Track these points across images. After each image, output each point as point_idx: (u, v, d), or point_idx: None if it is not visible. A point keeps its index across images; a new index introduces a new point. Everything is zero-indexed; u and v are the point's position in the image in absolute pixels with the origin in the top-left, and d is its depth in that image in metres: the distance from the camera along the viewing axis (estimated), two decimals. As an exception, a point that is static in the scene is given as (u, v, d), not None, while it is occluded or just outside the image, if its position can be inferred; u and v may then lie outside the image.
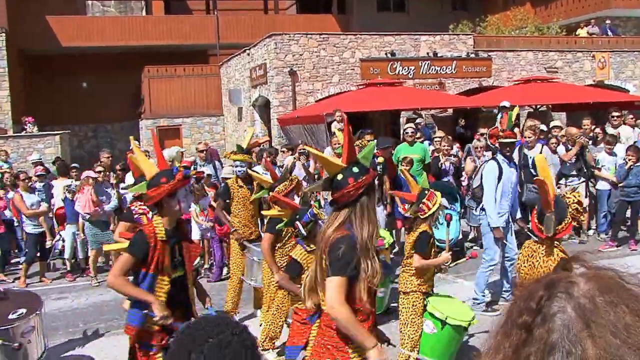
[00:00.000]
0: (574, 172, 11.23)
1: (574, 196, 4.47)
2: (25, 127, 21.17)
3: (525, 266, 4.45)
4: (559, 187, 11.22)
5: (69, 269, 10.85)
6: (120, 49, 28.22)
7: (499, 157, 8.02)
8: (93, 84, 28.29)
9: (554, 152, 11.30)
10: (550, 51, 23.29)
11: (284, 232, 6.19)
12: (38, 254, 10.60)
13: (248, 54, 22.69)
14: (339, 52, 20.34)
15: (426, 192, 5.69)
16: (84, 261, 11.16)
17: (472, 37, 22.71)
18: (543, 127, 12.71)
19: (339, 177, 3.44)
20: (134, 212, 6.56)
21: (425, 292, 5.73)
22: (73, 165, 12.76)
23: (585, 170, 11.20)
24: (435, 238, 5.91)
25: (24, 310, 5.72)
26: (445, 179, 10.97)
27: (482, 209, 8.09)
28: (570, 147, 11.36)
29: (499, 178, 7.81)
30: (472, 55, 21.95)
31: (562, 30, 27.01)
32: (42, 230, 10.53)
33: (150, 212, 6.38)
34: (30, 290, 8.52)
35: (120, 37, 28.00)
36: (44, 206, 10.67)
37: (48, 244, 10.72)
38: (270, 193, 6.45)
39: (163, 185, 4.34)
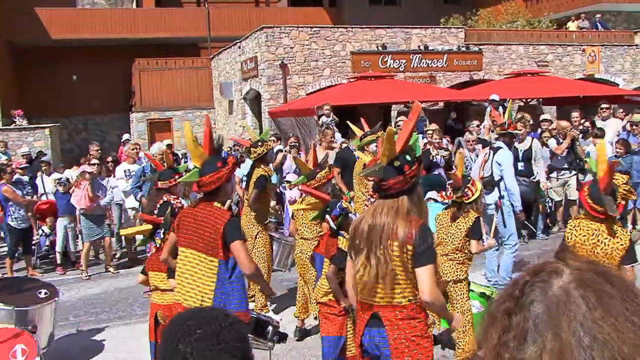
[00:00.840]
0: (565, 165, 11.28)
1: (621, 178, 4.55)
2: (15, 120, 21.03)
3: (587, 244, 4.47)
4: (549, 180, 11.29)
5: (59, 262, 10.81)
6: (111, 42, 28.06)
7: (502, 144, 8.18)
8: (83, 76, 28.14)
9: (545, 144, 11.35)
10: (541, 45, 23.35)
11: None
12: (21, 249, 10.63)
13: (239, 47, 22.62)
14: (330, 45, 20.30)
15: (469, 178, 5.80)
16: (74, 255, 11.14)
17: (464, 31, 22.72)
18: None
19: (396, 163, 3.43)
20: (174, 205, 6.32)
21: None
22: (42, 160, 12.62)
23: (576, 163, 11.25)
24: None
25: (47, 292, 6.11)
26: (436, 172, 10.98)
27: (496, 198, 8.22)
28: (561, 140, 11.40)
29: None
30: (463, 49, 21.97)
31: (553, 24, 27.06)
32: (27, 226, 10.50)
33: (183, 202, 6.32)
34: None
35: (111, 29, 27.85)
36: (31, 199, 10.66)
37: (35, 239, 10.71)
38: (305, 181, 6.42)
39: (221, 170, 4.27)
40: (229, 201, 7.54)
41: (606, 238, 4.36)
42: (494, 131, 11.87)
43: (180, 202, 6.28)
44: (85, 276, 10.24)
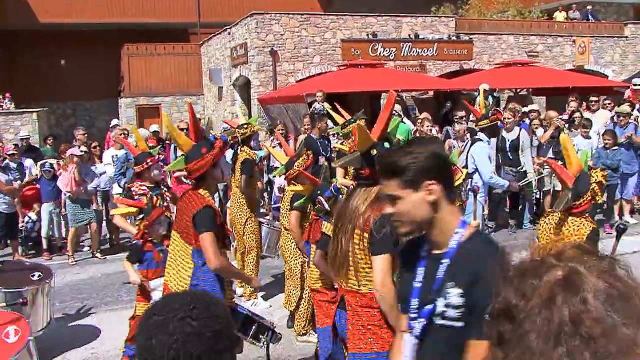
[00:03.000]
0: (552, 155, 11.30)
1: (597, 175, 4.55)
2: (2, 104, 20.85)
3: (551, 235, 4.50)
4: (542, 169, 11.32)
5: (45, 247, 10.75)
6: (100, 27, 27.83)
7: (483, 137, 8.17)
8: (72, 61, 27.91)
9: (534, 133, 11.39)
10: (532, 35, 23.37)
11: (308, 209, 5.96)
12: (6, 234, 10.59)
13: (229, 34, 22.50)
14: (320, 32, 20.23)
15: (452, 167, 5.78)
16: (60, 240, 11.09)
17: (454, 20, 22.71)
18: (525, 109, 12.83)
19: (374, 152, 3.40)
20: (134, 192, 6.40)
21: None
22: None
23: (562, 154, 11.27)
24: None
25: (41, 274, 6.19)
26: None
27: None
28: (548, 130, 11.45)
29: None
30: (454, 38, 21.97)
31: (544, 15, 27.09)
32: (13, 211, 10.44)
33: (152, 193, 6.31)
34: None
35: (100, 14, 27.61)
36: (17, 185, 10.57)
37: (22, 225, 10.66)
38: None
39: (206, 156, 4.20)
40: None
41: (567, 229, 4.40)
42: (475, 123, 11.92)
43: (142, 188, 6.29)
44: (72, 262, 10.19)
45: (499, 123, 8.38)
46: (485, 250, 2.25)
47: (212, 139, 4.52)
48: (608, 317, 1.03)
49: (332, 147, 10.48)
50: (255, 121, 8.43)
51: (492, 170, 8.06)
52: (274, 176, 8.34)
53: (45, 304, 6.11)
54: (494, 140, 9.77)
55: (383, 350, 3.41)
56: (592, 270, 1.08)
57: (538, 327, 1.06)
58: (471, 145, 8.28)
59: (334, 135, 10.99)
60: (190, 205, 4.20)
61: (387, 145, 3.47)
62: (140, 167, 6.34)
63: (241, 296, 7.73)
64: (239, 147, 7.86)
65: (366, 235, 3.34)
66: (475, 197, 6.60)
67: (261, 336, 4.39)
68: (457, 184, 5.72)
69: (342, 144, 8.41)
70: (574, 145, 11.13)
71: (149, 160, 6.34)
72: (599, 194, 4.51)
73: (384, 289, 3.27)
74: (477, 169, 8.13)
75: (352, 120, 8.68)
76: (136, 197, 6.27)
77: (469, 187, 8.07)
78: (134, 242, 5.61)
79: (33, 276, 6.12)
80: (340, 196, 5.15)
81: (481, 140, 8.19)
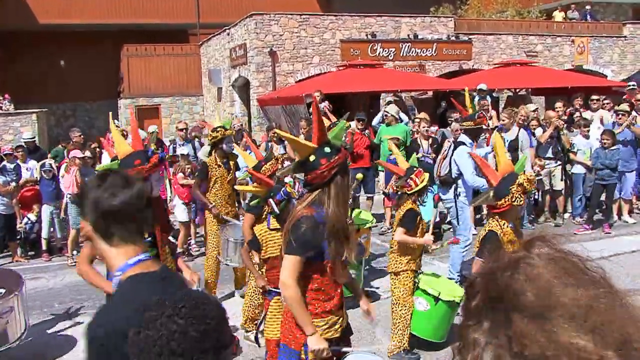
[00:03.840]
0: (550, 155, 11.32)
1: (521, 179, 4.51)
2: (1, 105, 20.84)
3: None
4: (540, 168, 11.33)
5: (44, 248, 10.76)
6: (99, 27, 27.82)
7: (466, 139, 8.12)
8: (71, 62, 27.91)
9: (532, 133, 11.40)
10: (530, 35, 23.38)
11: (264, 211, 6.01)
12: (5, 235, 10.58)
13: (228, 34, 22.51)
14: (319, 32, 20.24)
15: (415, 169, 5.76)
16: (60, 241, 11.09)
17: (453, 20, 22.72)
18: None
19: (312, 158, 3.40)
20: None
21: (414, 270, 5.81)
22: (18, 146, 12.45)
23: (561, 154, 11.31)
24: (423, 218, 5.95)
25: (2, 290, 5.73)
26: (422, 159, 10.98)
27: (456, 195, 8.19)
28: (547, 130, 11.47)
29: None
30: (453, 38, 21.98)
31: (543, 15, 27.09)
32: (11, 213, 10.44)
33: None
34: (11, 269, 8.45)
35: (99, 14, 27.60)
36: (13, 186, 10.56)
37: (20, 226, 10.65)
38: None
39: (136, 167, 4.18)
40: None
41: (484, 230, 4.63)
42: (459, 122, 11.92)
43: None
44: (71, 263, 10.19)
45: (482, 126, 8.36)
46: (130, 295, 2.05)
47: (149, 152, 4.46)
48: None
49: None
50: (229, 124, 8.51)
51: (473, 172, 7.98)
52: (242, 179, 8.41)
53: (16, 316, 5.76)
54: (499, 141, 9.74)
55: (292, 348, 3.50)
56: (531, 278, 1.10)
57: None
58: (454, 150, 8.25)
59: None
60: None
61: (327, 149, 3.41)
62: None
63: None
64: (212, 150, 8.00)
65: (286, 234, 3.40)
66: (436, 204, 6.64)
67: None
68: (416, 189, 5.71)
69: None
70: (573, 144, 11.25)
71: (135, 163, 6.34)
72: (519, 197, 4.49)
73: (282, 287, 3.38)
74: (460, 173, 8.08)
75: (336, 123, 8.72)
76: None
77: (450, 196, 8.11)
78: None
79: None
80: (293, 200, 5.18)
81: (463, 143, 8.13)
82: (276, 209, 5.13)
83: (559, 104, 12.73)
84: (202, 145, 12.08)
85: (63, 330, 7.16)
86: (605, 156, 10.64)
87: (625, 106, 11.89)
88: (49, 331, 7.13)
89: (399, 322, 5.70)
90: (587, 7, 26.40)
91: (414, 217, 5.70)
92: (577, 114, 12.44)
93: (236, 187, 6.89)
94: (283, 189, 5.18)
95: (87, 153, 10.81)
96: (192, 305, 1.55)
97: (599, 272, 1.11)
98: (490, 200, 4.53)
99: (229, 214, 7.83)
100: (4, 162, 10.83)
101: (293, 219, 3.38)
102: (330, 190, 3.39)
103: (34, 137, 13.93)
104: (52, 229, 10.77)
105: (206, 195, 7.80)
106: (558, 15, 25.91)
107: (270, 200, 5.12)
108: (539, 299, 1.06)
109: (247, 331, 6.43)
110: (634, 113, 12.02)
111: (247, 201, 6.54)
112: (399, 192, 5.89)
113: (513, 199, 4.44)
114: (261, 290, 5.36)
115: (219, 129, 7.77)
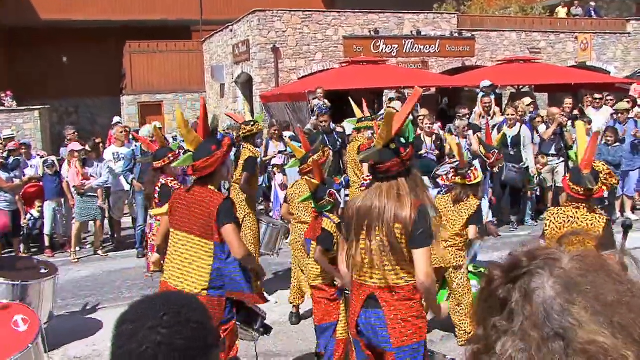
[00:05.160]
0: (554, 152, 11.31)
1: (602, 165, 4.65)
2: (4, 101, 20.84)
3: (562, 232, 4.53)
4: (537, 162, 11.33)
5: (47, 244, 10.77)
6: (102, 24, 27.81)
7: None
8: (74, 58, 27.88)
9: (535, 130, 11.39)
10: (534, 32, 23.32)
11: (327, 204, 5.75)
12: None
13: (231, 31, 22.49)
14: (322, 29, 20.21)
15: (472, 162, 5.92)
16: (62, 237, 11.11)
17: (456, 17, 22.66)
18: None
19: (392, 146, 3.45)
20: (172, 188, 6.16)
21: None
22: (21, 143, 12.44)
23: (564, 150, 11.28)
24: None
25: (47, 269, 6.26)
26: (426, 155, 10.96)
27: None
28: (551, 126, 11.45)
29: None
30: (456, 35, 21.93)
31: (546, 11, 27.03)
32: (15, 209, 10.44)
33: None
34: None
35: (102, 11, 27.59)
36: (17, 182, 10.56)
37: (24, 222, 10.67)
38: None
39: (216, 153, 4.20)
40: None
41: (580, 225, 4.37)
42: (484, 117, 11.90)
43: (175, 184, 6.30)
44: (74, 259, 10.21)
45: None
46: None
47: (219, 136, 4.51)
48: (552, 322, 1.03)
49: (347, 139, 10.49)
50: (261, 118, 8.39)
51: None
52: (289, 167, 8.27)
53: (49, 298, 6.14)
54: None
55: (421, 339, 3.55)
56: (555, 272, 1.08)
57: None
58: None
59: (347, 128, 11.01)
60: (208, 201, 4.20)
61: (402, 140, 3.50)
62: (161, 162, 6.37)
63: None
64: (241, 144, 7.83)
65: (409, 229, 3.38)
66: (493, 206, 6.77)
67: (252, 325, 4.44)
68: (476, 181, 5.83)
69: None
70: (575, 142, 11.21)
71: (170, 155, 6.37)
72: (614, 176, 4.75)
73: (429, 279, 3.39)
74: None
75: (369, 118, 8.71)
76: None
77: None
78: None
79: (40, 270, 6.18)
80: (346, 191, 5.19)
81: None
82: (340, 200, 5.08)
83: (567, 100, 12.70)
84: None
85: (66, 325, 7.17)
86: (608, 153, 10.62)
87: (624, 103, 11.85)
88: (52, 327, 7.12)
89: (467, 310, 5.73)
90: (591, 3, 26.33)
91: (481, 212, 5.85)
92: (576, 111, 12.40)
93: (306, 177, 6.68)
94: (346, 177, 5.18)
95: (87, 147, 10.81)
96: (174, 312, 1.48)
97: (621, 272, 1.10)
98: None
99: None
100: (8, 159, 10.81)
101: (414, 209, 3.39)
102: (411, 180, 3.49)
103: (13, 135, 13.84)
104: (54, 225, 10.79)
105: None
106: (562, 12, 25.83)
107: (333, 190, 5.08)
108: (562, 294, 1.04)
109: None
110: (636, 109, 12.00)
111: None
112: (450, 184, 5.96)
113: (604, 186, 4.57)
114: (332, 292, 5.20)
115: (252, 123, 7.67)
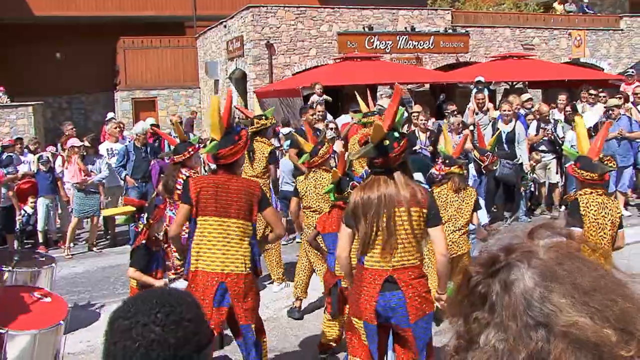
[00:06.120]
0: (543, 148, 11.40)
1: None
2: (-3, 97, 20.75)
3: (599, 217, 4.76)
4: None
5: (40, 241, 10.75)
6: (95, 19, 27.70)
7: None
8: (67, 54, 27.75)
9: (528, 126, 11.43)
10: (527, 28, 23.35)
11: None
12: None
13: (225, 26, 22.45)
14: (316, 25, 20.20)
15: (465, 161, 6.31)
16: (56, 234, 11.09)
17: (450, 13, 22.67)
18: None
19: (386, 142, 3.71)
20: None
21: None
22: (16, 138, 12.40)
23: (557, 147, 11.33)
24: None
25: (45, 257, 6.33)
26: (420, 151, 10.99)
27: None
28: (542, 124, 11.50)
29: None
30: (450, 31, 21.93)
31: (540, 8, 27.07)
32: (9, 205, 10.42)
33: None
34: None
35: (95, 7, 27.47)
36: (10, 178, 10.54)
37: (18, 219, 10.64)
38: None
39: (239, 142, 4.46)
40: None
41: (610, 210, 4.73)
42: (477, 113, 11.94)
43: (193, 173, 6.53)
44: (68, 255, 10.19)
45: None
46: None
47: (237, 129, 4.68)
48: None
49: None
50: (271, 113, 8.36)
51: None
52: (301, 162, 8.28)
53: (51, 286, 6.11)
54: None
55: (431, 310, 3.96)
56: (532, 263, 1.11)
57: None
58: None
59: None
60: (250, 187, 4.56)
61: (395, 134, 3.74)
62: (182, 156, 6.59)
63: (272, 282, 7.82)
64: (253, 137, 7.80)
65: (424, 210, 3.77)
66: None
67: None
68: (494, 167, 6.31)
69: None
70: (564, 140, 11.25)
71: (190, 149, 6.64)
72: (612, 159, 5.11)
73: (447, 254, 3.91)
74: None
75: (375, 112, 8.74)
76: None
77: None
78: (140, 244, 5.24)
79: (42, 258, 6.24)
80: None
81: None
82: None
83: (562, 97, 12.74)
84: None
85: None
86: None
87: (614, 100, 11.88)
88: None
89: None
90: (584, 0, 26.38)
91: (478, 199, 6.26)
92: (569, 107, 12.42)
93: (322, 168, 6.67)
94: (366, 170, 5.28)
95: (87, 143, 10.78)
96: (168, 310, 1.47)
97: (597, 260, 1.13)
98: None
99: None
100: (2, 155, 10.79)
101: (425, 194, 3.84)
102: (406, 170, 3.85)
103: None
104: (47, 222, 10.76)
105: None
106: (558, 8, 25.82)
107: (355, 182, 5.22)
108: (540, 283, 1.07)
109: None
110: (628, 104, 12.04)
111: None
112: (451, 174, 6.09)
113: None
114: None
115: (263, 117, 7.71)
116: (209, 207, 4.46)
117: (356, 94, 9.76)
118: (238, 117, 12.14)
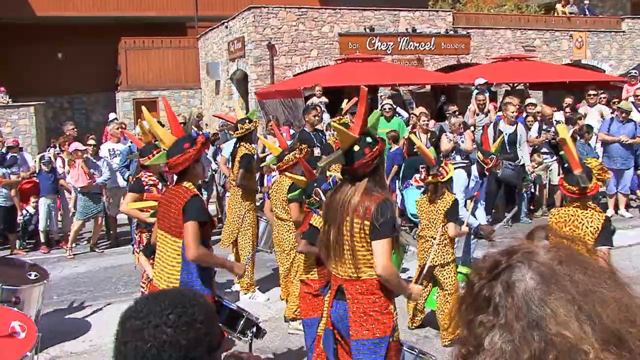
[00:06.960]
0: (545, 150, 11.41)
1: (594, 161, 4.71)
2: (-2, 97, 20.75)
3: (564, 230, 4.55)
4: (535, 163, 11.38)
5: (42, 240, 10.76)
6: (97, 20, 27.71)
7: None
8: (69, 55, 27.77)
9: (528, 129, 11.43)
10: (529, 29, 23.35)
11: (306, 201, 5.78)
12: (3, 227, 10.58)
13: (226, 27, 22.46)
14: (317, 26, 20.21)
15: (442, 159, 5.99)
16: (57, 234, 11.10)
17: (452, 14, 22.67)
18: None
19: (356, 148, 3.52)
20: (144, 182, 6.50)
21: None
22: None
23: (556, 149, 11.35)
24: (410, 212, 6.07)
25: (37, 274, 6.05)
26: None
27: None
28: (544, 125, 11.51)
29: None
30: (451, 32, 21.93)
31: (541, 9, 27.06)
32: (11, 205, 10.43)
33: (160, 184, 6.42)
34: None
35: (97, 7, 27.50)
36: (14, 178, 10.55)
37: (20, 219, 10.66)
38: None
39: (188, 151, 4.25)
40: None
41: (580, 223, 4.41)
42: (478, 115, 11.95)
43: (151, 179, 6.42)
44: (70, 255, 10.21)
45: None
46: None
47: (194, 134, 4.58)
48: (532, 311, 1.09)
49: (325, 140, 10.49)
50: (254, 114, 8.36)
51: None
52: (264, 166, 8.34)
53: (38, 303, 6.01)
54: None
55: (385, 334, 3.58)
56: (533, 264, 1.13)
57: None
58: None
59: (326, 129, 11.01)
60: (178, 198, 4.24)
61: (368, 139, 3.56)
62: (145, 159, 6.39)
63: (237, 291, 7.78)
64: (238, 142, 7.80)
65: (367, 222, 3.48)
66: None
67: (247, 331, 4.41)
68: (448, 176, 5.90)
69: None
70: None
71: (154, 152, 6.31)
72: (606, 171, 4.73)
73: (386, 271, 3.48)
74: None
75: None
76: (146, 188, 6.42)
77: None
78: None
79: (30, 275, 6.02)
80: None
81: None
82: (323, 197, 5.12)
83: (568, 100, 12.75)
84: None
85: (62, 321, 7.18)
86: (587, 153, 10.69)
87: (628, 104, 11.85)
88: (48, 323, 7.14)
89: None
90: (586, 1, 26.35)
91: (458, 207, 5.97)
92: (568, 109, 12.42)
93: (287, 174, 6.65)
94: (333, 177, 5.20)
95: (91, 141, 10.77)
96: (180, 311, 1.48)
97: (600, 261, 1.15)
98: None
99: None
100: (6, 155, 10.80)
101: (372, 204, 3.48)
102: (376, 178, 3.58)
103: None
104: (49, 222, 10.77)
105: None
106: (564, 10, 25.75)
107: (318, 189, 5.10)
108: (540, 284, 1.09)
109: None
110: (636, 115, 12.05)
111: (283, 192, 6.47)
112: (428, 183, 6.00)
113: (599, 182, 4.60)
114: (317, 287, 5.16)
115: (249, 121, 7.62)
116: (158, 220, 4.49)
117: (349, 98, 9.72)
118: (222, 124, 12.14)
